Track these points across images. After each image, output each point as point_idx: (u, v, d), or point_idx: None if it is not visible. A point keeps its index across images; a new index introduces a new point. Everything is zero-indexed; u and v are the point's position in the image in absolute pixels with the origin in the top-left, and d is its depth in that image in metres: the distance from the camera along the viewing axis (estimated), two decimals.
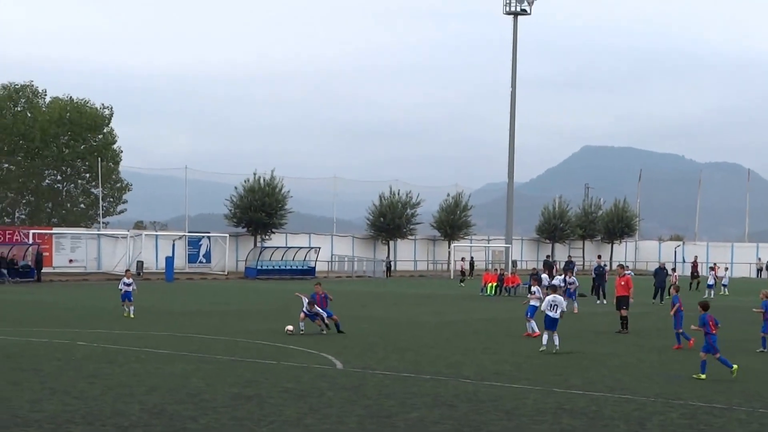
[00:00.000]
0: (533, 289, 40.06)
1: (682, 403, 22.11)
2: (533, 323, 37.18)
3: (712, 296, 68.09)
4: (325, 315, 36.93)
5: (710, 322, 26.74)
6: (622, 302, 40.38)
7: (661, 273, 62.07)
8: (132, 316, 43.77)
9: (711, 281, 72.29)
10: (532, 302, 38.27)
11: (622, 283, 41.21)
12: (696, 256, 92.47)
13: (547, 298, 32.53)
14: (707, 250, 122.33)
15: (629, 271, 60.32)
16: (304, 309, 36.57)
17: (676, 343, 34.53)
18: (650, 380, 25.71)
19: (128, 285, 44.89)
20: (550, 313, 31.65)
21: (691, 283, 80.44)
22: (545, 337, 31.72)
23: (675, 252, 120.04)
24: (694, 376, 26.11)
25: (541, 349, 31.22)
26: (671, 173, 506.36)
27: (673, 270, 74.13)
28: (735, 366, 26.30)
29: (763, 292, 35.17)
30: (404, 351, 31.81)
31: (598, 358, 30.89)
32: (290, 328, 36.14)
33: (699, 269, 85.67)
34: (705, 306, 27.72)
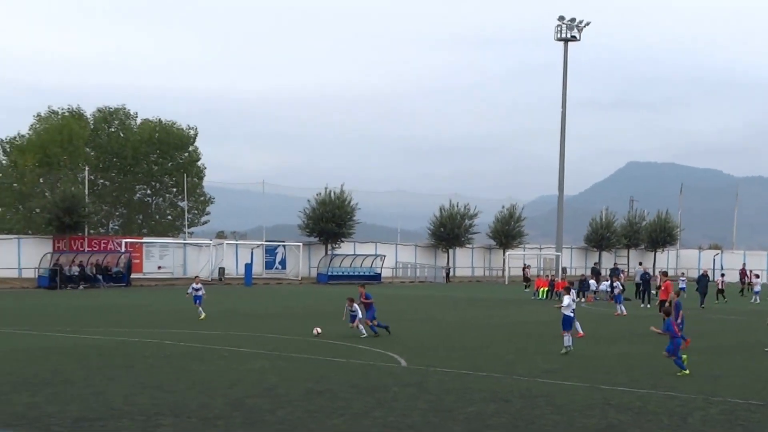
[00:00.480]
0: (565, 299, 39.69)
1: (721, 399, 21.91)
2: (577, 324, 37.10)
3: (758, 301, 67.16)
4: (362, 316, 36.13)
5: (675, 327, 27.13)
6: (663, 306, 40.02)
7: (703, 279, 61.36)
8: (203, 317, 43.75)
9: (758, 288, 70.91)
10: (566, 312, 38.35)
11: (663, 288, 40.88)
12: (744, 264, 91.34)
13: (565, 299, 31.78)
14: (744, 258, 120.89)
15: (683, 279, 60.05)
16: (352, 312, 36.31)
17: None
18: (691, 378, 25.47)
19: (197, 290, 45.09)
20: (567, 313, 31.20)
21: (742, 289, 79.67)
22: (566, 338, 31.07)
23: (714, 260, 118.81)
24: (679, 374, 26.07)
25: (565, 351, 30.66)
26: (710, 187, 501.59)
27: (722, 275, 73.17)
28: (687, 371, 26.37)
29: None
30: (463, 350, 31.77)
31: (642, 357, 30.67)
32: (318, 330, 35.51)
33: (746, 276, 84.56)
34: (668, 312, 28.21)
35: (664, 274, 46.54)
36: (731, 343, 36.66)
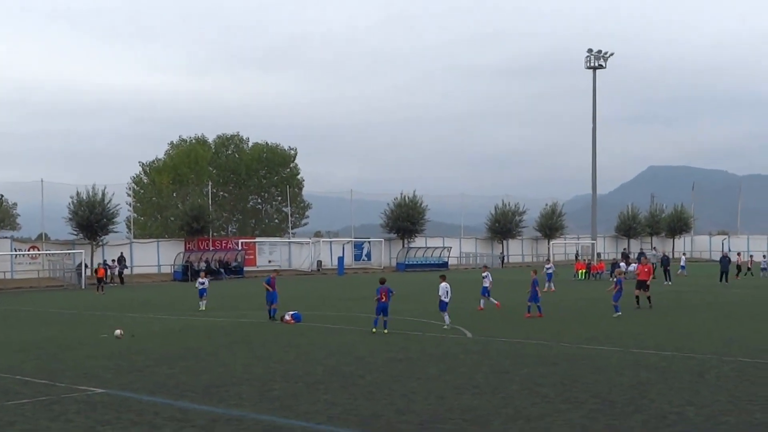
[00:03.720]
0: (485, 274, 38.24)
1: (732, 359, 21.51)
2: (492, 300, 37.72)
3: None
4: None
5: (382, 293, 28.54)
6: (641, 284, 38.04)
7: (724, 260, 60.39)
8: (204, 309, 39.75)
9: (764, 265, 69.28)
10: (485, 284, 37.80)
11: (645, 270, 38.99)
12: (752, 255, 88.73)
13: (442, 285, 30.02)
14: (747, 241, 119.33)
15: (684, 259, 58.36)
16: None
17: (527, 313, 34.34)
18: (708, 342, 25.08)
19: (203, 284, 40.80)
20: (445, 299, 29.92)
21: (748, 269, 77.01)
22: (447, 317, 29.93)
23: (722, 243, 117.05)
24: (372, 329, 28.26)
25: (445, 327, 29.46)
26: (718, 184, 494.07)
27: (738, 254, 71.28)
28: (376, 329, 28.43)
29: (618, 271, 35.66)
30: (517, 324, 31.57)
31: (666, 326, 30.24)
32: (118, 332, 28.14)
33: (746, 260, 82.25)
34: (382, 281, 29.31)
35: (645, 257, 44.76)
36: (745, 311, 36.03)
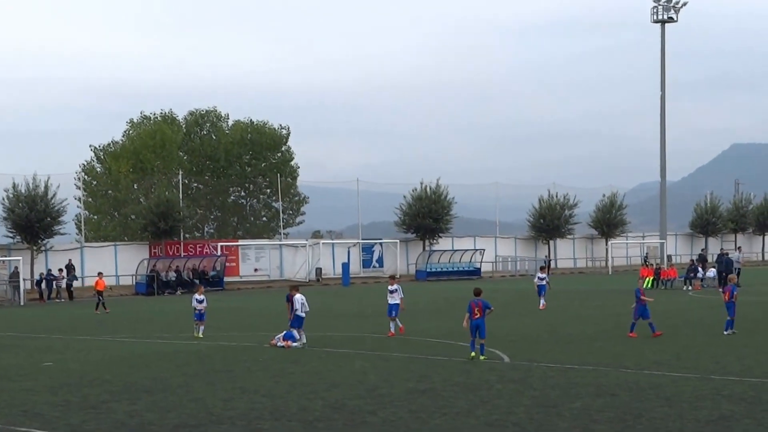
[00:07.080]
0: (394, 287, 37.04)
1: None
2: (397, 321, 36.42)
3: None
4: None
5: (475, 308, 28.14)
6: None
7: None
8: (199, 335, 37.45)
9: None
10: (394, 300, 36.45)
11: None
12: None
13: (296, 297, 32.58)
14: None
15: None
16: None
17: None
18: None
19: (201, 302, 38.24)
20: (301, 313, 32.34)
21: None
22: (303, 335, 32.54)
23: None
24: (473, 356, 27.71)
25: (298, 345, 32.16)
26: None
27: None
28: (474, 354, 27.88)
29: (730, 277, 36.11)
30: (567, 344, 31.55)
31: (754, 345, 30.17)
32: None
33: None
34: (476, 292, 28.88)
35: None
36: None
